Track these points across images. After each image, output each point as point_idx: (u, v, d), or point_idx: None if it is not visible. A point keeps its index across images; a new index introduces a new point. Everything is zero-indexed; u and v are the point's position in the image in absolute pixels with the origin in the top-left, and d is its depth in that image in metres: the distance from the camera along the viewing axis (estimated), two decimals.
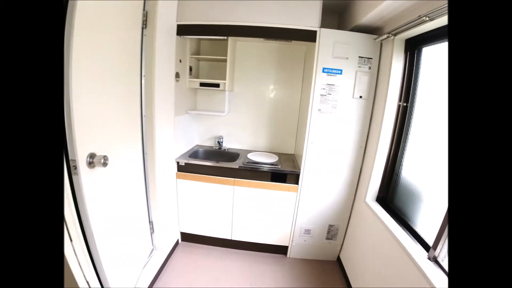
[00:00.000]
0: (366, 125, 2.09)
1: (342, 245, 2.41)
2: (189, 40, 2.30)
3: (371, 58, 2.00)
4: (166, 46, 1.96)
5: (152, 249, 2.18)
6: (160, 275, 2.15)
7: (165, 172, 2.12)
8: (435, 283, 1.18)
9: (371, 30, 2.07)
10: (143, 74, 1.78)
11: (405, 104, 1.85)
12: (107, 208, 1.48)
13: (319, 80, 2.01)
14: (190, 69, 2.38)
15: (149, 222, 2.09)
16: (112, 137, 1.51)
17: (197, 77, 2.55)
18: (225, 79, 2.31)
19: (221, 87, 2.33)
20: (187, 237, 2.55)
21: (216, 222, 2.42)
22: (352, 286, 2.11)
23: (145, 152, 1.90)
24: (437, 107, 1.59)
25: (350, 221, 2.32)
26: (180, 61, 2.20)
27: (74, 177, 1.23)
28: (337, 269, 2.38)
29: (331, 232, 2.36)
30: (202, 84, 2.36)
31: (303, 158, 2.14)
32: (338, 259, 2.45)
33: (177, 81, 2.16)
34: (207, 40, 2.52)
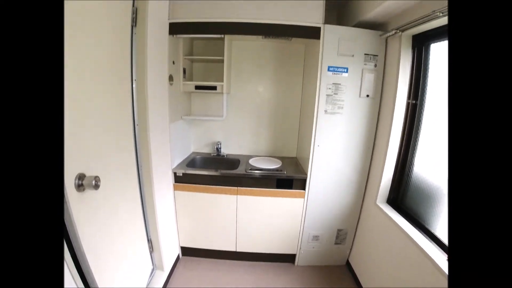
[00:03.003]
0: (373, 125, 1.94)
1: (351, 249, 2.26)
2: (182, 40, 2.06)
3: (377, 55, 1.86)
4: (158, 47, 1.72)
5: (153, 269, 1.94)
6: None
7: (161, 184, 1.88)
8: None
9: (374, 26, 1.92)
10: (134, 78, 1.54)
11: (414, 102, 1.71)
12: (100, 234, 1.25)
13: (325, 79, 1.84)
14: (184, 71, 2.14)
15: (148, 240, 1.85)
16: (103, 152, 1.26)
17: (191, 80, 2.31)
18: (221, 81, 2.08)
19: (219, 89, 2.11)
20: (188, 251, 2.32)
21: (219, 234, 2.21)
22: None
23: (139, 164, 1.65)
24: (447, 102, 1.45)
25: (359, 224, 2.17)
26: (174, 62, 1.96)
27: None
28: (347, 273, 2.23)
29: (340, 237, 2.20)
30: (197, 87, 2.13)
31: (310, 162, 1.96)
32: (347, 263, 2.30)
33: (171, 84, 1.93)
34: (200, 39, 2.28)
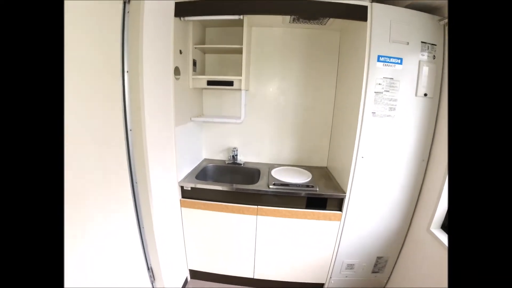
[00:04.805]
0: (430, 132, 1.47)
1: (389, 277, 1.81)
2: (192, 25, 1.62)
3: (435, 45, 1.38)
4: (160, 30, 1.28)
5: None
6: None
7: (165, 202, 1.46)
8: None
9: (427, 9, 1.43)
10: (125, 69, 1.11)
11: None
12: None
13: (373, 73, 1.37)
14: (194, 63, 1.70)
15: (148, 269, 1.45)
16: (82, 169, 0.85)
17: (203, 74, 1.87)
18: (239, 75, 1.63)
19: (236, 85, 1.66)
20: (197, 274, 1.91)
21: (235, 258, 1.78)
22: None
23: (134, 181, 1.24)
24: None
25: (402, 251, 1.70)
26: (181, 52, 1.53)
27: None
28: None
29: (379, 265, 1.75)
30: (210, 83, 1.69)
31: (350, 177, 1.50)
32: None
33: (177, 79, 1.50)
34: (214, 25, 1.83)
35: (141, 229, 1.35)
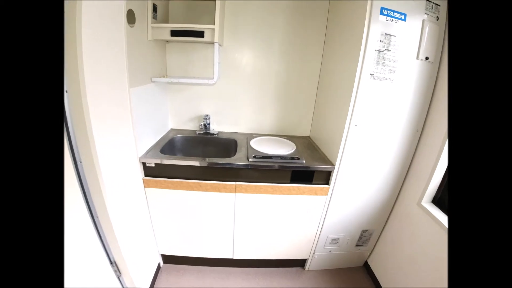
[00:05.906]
0: (427, 101, 1.32)
1: (372, 250, 1.77)
2: None
3: (439, 6, 1.20)
4: None
5: None
6: None
7: (122, 183, 1.18)
8: None
9: None
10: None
11: None
12: None
13: (375, 27, 1.14)
14: (154, 8, 1.34)
15: (111, 263, 1.21)
16: None
17: (167, 22, 1.51)
18: (212, 23, 1.31)
19: (207, 37, 1.34)
20: (171, 259, 1.71)
21: (211, 240, 1.60)
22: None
23: (78, 160, 0.94)
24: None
25: (388, 224, 1.64)
26: None
27: None
28: (364, 275, 1.78)
29: (363, 238, 1.68)
30: (175, 33, 1.34)
31: (341, 148, 1.33)
32: (365, 264, 1.82)
33: (131, 27, 1.15)
34: None
35: (95, 218, 1.08)
